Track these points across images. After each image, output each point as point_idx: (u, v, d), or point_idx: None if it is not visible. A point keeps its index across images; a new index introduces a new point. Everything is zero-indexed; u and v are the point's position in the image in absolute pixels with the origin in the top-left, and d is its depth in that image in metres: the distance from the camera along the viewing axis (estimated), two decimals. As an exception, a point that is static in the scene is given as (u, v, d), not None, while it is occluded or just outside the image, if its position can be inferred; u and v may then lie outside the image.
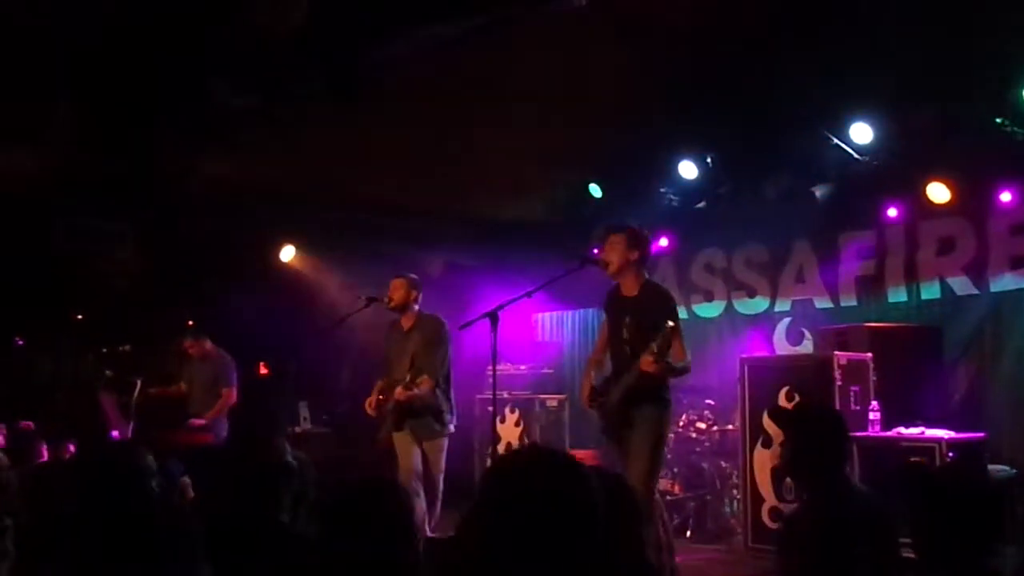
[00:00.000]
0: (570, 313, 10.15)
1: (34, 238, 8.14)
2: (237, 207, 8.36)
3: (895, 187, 7.41)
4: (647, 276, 5.63)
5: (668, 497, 7.41)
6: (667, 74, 6.51)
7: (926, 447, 6.03)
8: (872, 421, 6.43)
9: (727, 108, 6.98)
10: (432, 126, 6.99)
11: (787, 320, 8.35)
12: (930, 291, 7.44)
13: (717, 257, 8.92)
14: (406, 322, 6.69)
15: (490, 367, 5.82)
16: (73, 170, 7.28)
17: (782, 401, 6.75)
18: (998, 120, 6.33)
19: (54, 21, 5.56)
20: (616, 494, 2.43)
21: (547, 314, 10.40)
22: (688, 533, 7.61)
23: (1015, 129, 6.31)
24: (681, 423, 7.88)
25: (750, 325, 8.60)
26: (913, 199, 7.34)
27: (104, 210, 8.26)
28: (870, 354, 6.76)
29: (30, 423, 6.68)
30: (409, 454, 6.49)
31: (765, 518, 6.85)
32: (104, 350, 8.76)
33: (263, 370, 9.56)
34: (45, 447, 5.84)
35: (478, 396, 9.16)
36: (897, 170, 7.13)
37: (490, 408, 6.85)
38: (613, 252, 5.50)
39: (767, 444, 6.82)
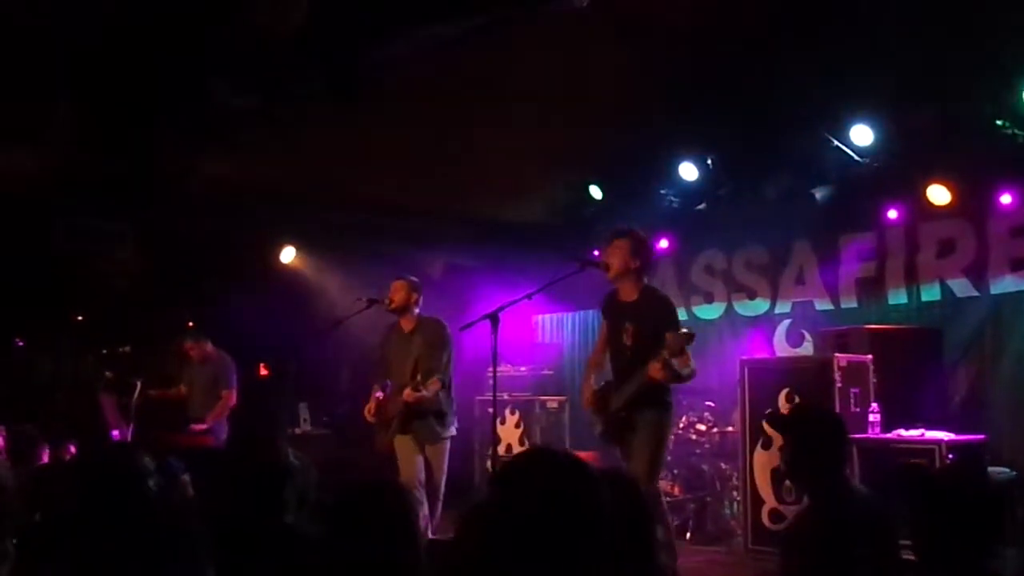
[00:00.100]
0: (570, 315, 10.14)
1: (34, 238, 8.11)
2: (237, 207, 8.35)
3: (895, 189, 7.40)
4: (646, 282, 5.58)
5: (668, 499, 7.38)
6: (667, 74, 6.52)
7: (926, 449, 6.03)
8: (872, 423, 6.42)
9: (727, 108, 6.99)
10: (432, 126, 6.99)
11: (787, 322, 8.34)
12: (930, 293, 7.43)
13: (717, 259, 8.91)
14: (407, 324, 6.57)
15: (490, 369, 5.81)
16: (73, 170, 7.27)
17: (782, 403, 6.74)
18: (998, 122, 6.34)
19: (54, 21, 5.56)
20: (625, 495, 2.42)
21: (547, 316, 10.39)
22: (688, 535, 7.59)
23: (1015, 131, 6.31)
24: (681, 425, 7.87)
25: (750, 327, 8.60)
26: (913, 201, 7.34)
27: (104, 210, 8.23)
28: (870, 356, 6.76)
29: (31, 425, 6.67)
30: (411, 461, 6.36)
31: (765, 520, 6.83)
32: (104, 351, 8.76)
33: (263, 371, 9.55)
34: (46, 449, 5.82)
35: (478, 397, 9.16)
36: (897, 172, 7.13)
37: (490, 410, 6.83)
38: (615, 256, 5.44)
39: (767, 446, 6.81)
